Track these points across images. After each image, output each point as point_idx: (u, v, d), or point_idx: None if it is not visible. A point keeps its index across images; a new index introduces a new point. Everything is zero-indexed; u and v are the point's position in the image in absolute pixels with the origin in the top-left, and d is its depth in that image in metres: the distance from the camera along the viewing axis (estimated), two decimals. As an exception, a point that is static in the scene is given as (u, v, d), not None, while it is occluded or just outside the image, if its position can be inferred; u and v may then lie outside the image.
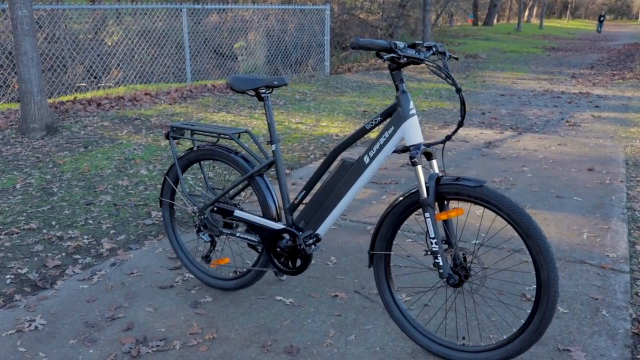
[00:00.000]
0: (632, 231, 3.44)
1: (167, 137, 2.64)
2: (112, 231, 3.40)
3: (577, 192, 4.13)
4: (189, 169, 3.55)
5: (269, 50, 11.06)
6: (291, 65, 11.79)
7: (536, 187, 4.28)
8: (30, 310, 2.50)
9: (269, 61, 10.74)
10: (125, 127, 6.06)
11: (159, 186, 4.20)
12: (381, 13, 18.66)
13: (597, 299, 2.62)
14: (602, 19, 38.02)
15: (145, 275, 2.84)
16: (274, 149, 2.38)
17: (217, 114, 6.93)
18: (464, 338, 2.25)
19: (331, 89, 9.68)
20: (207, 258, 2.62)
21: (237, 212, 2.46)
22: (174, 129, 2.62)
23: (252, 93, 2.39)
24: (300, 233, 2.29)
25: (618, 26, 53.79)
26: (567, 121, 7.04)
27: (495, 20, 38.20)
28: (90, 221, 3.54)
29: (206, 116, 6.73)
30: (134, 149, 5.20)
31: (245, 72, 10.13)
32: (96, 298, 2.61)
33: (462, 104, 1.99)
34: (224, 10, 12.09)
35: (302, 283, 2.77)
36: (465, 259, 2.06)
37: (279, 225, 2.36)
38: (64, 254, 3.08)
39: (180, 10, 9.03)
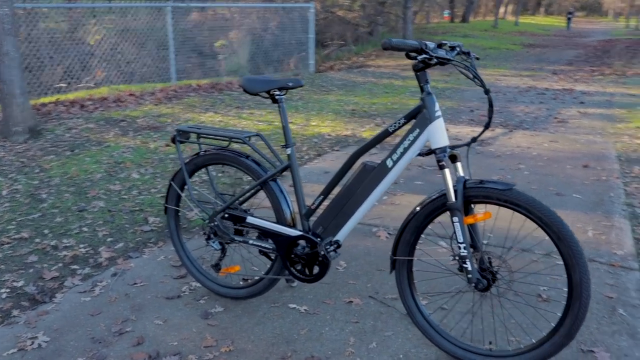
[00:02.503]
0: (635, 228, 3.44)
1: (173, 141, 2.54)
2: (109, 239, 3.27)
3: (576, 189, 4.13)
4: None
5: (252, 48, 10.92)
6: (273, 63, 11.67)
7: (535, 184, 4.27)
8: (31, 326, 2.37)
9: (252, 59, 10.60)
10: (111, 129, 5.89)
11: (153, 190, 4.08)
12: (361, 11, 18.61)
13: (612, 297, 2.60)
14: (570, 16, 38.37)
15: (150, 285, 2.73)
16: (289, 152, 2.29)
17: (204, 114, 6.80)
18: (490, 343, 2.20)
19: (317, 87, 9.60)
20: (217, 266, 2.52)
21: (250, 219, 2.37)
22: (180, 132, 2.51)
23: (266, 95, 2.30)
24: (319, 240, 2.22)
25: (590, 23, 54.74)
26: (555, 117, 7.08)
27: (471, 17, 38.50)
28: (85, 229, 3.40)
29: (194, 117, 6.59)
30: (123, 152, 5.05)
31: (229, 71, 9.98)
32: (100, 311, 2.49)
33: (490, 105, 1.94)
34: (204, 8, 11.91)
35: (315, 289, 2.69)
36: (491, 262, 2.01)
37: (295, 232, 2.27)
38: (60, 265, 2.95)
39: (163, 8, 8.85)
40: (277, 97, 2.29)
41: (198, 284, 2.72)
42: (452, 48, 1.99)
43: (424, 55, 1.85)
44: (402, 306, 2.51)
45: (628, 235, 3.31)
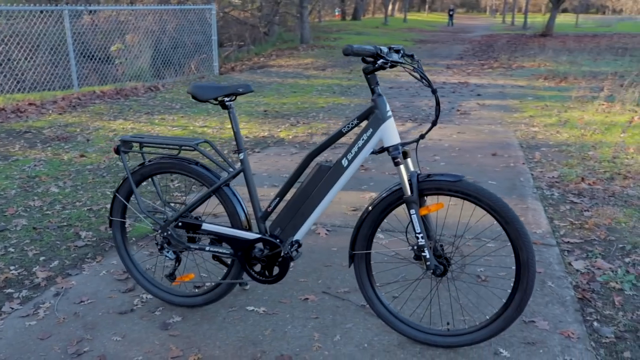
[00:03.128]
0: (546, 208, 3.81)
1: (116, 152, 2.46)
2: (41, 258, 3.10)
3: (490, 176, 4.48)
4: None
5: (154, 52, 10.57)
6: (174, 66, 11.37)
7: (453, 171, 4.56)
8: (-26, 357, 2.22)
9: (154, 63, 10.27)
10: (15, 141, 5.50)
11: (78, 204, 3.89)
12: (257, 11, 18.61)
13: (540, 272, 2.89)
14: (451, 12, 40.66)
15: (98, 302, 2.63)
16: (242, 157, 2.32)
17: (114, 121, 6.53)
18: (448, 324, 2.38)
19: (225, 89, 9.51)
20: (171, 276, 2.49)
21: (206, 225, 2.37)
22: (124, 142, 2.45)
23: (216, 102, 2.31)
24: (279, 241, 2.27)
25: (471, 19, 58.47)
26: (458, 110, 7.57)
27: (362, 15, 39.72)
28: (12, 249, 3.19)
29: (104, 125, 6.32)
30: (35, 165, 4.75)
31: (131, 76, 9.61)
32: (50, 334, 2.38)
33: (437, 103, 2.09)
34: (94, 11, 11.33)
35: (268, 290, 2.73)
36: (443, 249, 2.17)
37: (254, 235, 2.31)
38: (-8, 290, 2.76)
39: (57, 12, 8.34)
40: (226, 103, 2.31)
41: (149, 296, 2.67)
42: (397, 51, 2.12)
43: (382, 60, 1.96)
44: (356, 299, 2.64)
45: (542, 215, 3.66)
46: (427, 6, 67.66)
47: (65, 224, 3.56)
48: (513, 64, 13.46)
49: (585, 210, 3.76)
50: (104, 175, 4.54)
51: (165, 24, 11.72)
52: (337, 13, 43.25)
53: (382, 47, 1.97)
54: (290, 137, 6.05)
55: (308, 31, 17.79)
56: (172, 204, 2.55)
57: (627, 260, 3.04)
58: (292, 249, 2.24)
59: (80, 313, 2.54)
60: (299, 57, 15.02)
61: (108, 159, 4.95)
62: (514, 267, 2.09)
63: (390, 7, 50.42)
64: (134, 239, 3.34)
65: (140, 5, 12.49)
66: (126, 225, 2.65)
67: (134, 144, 2.47)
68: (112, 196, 2.57)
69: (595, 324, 2.45)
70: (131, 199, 2.56)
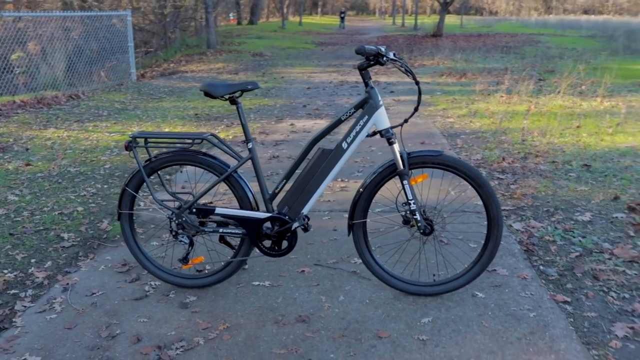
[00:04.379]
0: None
1: (127, 148, 2.66)
2: (32, 260, 3.17)
3: (425, 161, 5.04)
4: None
5: (68, 60, 10.23)
6: (90, 75, 11.04)
7: (392, 161, 5.07)
8: (8, 352, 2.33)
9: (68, 70, 9.96)
10: (-53, 156, 5.28)
11: (46, 209, 3.93)
12: (162, 17, 18.34)
13: (488, 234, 3.43)
14: (342, 15, 42.05)
15: (109, 293, 2.80)
16: (250, 146, 2.62)
17: (45, 130, 6.41)
18: (434, 275, 2.83)
19: (146, 95, 9.48)
20: (185, 259, 2.73)
21: (219, 209, 2.64)
22: (134, 138, 2.65)
23: (226, 98, 2.58)
24: (287, 218, 2.60)
25: (362, 21, 60.66)
26: (378, 106, 8.15)
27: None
28: (-3, 256, 3.23)
29: (36, 134, 6.19)
30: (-19, 178, 4.65)
31: (44, 84, 9.26)
32: (76, 324, 2.53)
33: (420, 93, 2.53)
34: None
35: (265, 268, 3.04)
36: (425, 213, 2.61)
37: (265, 214, 2.62)
38: (-5, 293, 2.83)
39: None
40: (236, 99, 2.60)
41: (157, 282, 2.88)
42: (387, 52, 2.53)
43: (385, 58, 2.36)
44: (345, 267, 3.03)
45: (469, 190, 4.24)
46: (319, 9, 69.42)
47: (41, 228, 3.61)
48: (415, 63, 14.45)
49: (511, 184, 4.40)
50: (59, 182, 4.56)
51: (71, 32, 11.34)
52: (231, 18, 43.15)
53: (381, 47, 2.37)
54: (230, 137, 6.29)
55: (214, 36, 17.84)
56: (178, 194, 2.78)
57: (552, 219, 3.68)
58: (305, 222, 2.58)
59: (97, 303, 2.70)
60: (209, 62, 15.08)
61: (57, 166, 4.93)
62: (485, 223, 2.58)
63: (284, 10, 51.17)
64: (117, 236, 3.48)
65: (40, 11, 11.96)
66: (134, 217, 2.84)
67: (139, 140, 2.68)
68: (120, 191, 2.75)
69: (541, 267, 3.01)
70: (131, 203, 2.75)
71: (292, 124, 6.95)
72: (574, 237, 3.40)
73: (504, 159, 5.07)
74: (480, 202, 3.12)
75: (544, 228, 3.53)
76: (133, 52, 11.19)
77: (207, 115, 7.72)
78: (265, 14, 55.35)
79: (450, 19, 31.38)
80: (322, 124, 6.92)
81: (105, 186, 4.46)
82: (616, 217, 3.68)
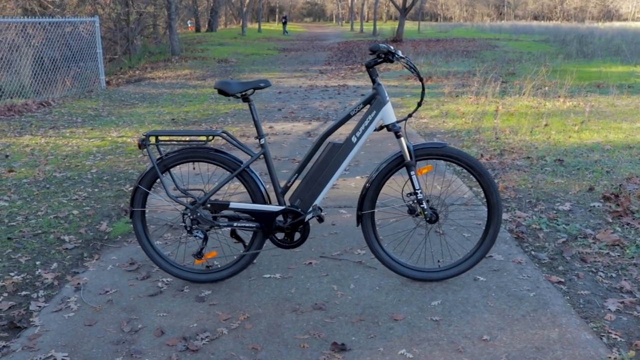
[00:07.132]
0: (463, 179, 4.62)
1: (140, 146, 2.71)
2: (37, 262, 3.17)
3: (407, 159, 5.22)
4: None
5: (34, 66, 10.02)
6: (56, 83, 10.82)
7: (375, 160, 5.25)
8: (34, 349, 2.35)
9: (35, 77, 9.75)
10: None
11: (40, 213, 3.91)
12: (125, 24, 18.11)
13: (479, 224, 3.62)
14: (284, 20, 42.34)
15: (123, 290, 2.84)
16: (262, 142, 2.72)
17: (21, 137, 6.30)
18: (439, 261, 2.98)
19: (118, 102, 9.39)
20: (199, 254, 2.80)
21: (234, 204, 2.73)
22: (148, 136, 2.71)
23: (239, 95, 2.68)
24: (300, 210, 2.70)
25: (320, 27, 61.10)
26: (352, 108, 8.33)
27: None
28: (-1, 260, 3.21)
29: (13, 141, 6.08)
30: (-36, 185, 4.56)
31: (10, 92, 9.05)
32: (95, 320, 2.57)
33: (423, 89, 2.69)
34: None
35: (273, 261, 3.13)
36: (428, 202, 2.76)
37: (278, 207, 2.72)
38: (6, 294, 2.82)
39: None
40: (248, 96, 2.70)
41: (169, 279, 2.94)
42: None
43: (395, 55, 2.51)
44: (350, 258, 3.15)
45: (462, 184, 4.45)
46: (276, 16, 69.54)
47: (39, 231, 3.60)
48: (380, 67, 14.72)
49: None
50: (47, 187, 4.52)
51: (32, 39, 11.09)
52: (189, 25, 42.78)
53: (391, 46, 2.52)
54: (213, 141, 6.32)
55: (177, 43, 17.73)
56: (188, 191, 2.85)
57: (536, 209, 3.90)
58: (319, 212, 2.69)
59: (112, 300, 2.74)
60: (175, 68, 14.99)
61: (42, 172, 4.89)
62: (485, 209, 2.75)
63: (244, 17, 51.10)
64: (119, 237, 3.51)
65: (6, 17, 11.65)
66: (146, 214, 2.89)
67: (151, 138, 2.74)
68: (133, 189, 2.80)
69: (533, 252, 3.21)
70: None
71: (270, 127, 7.04)
72: (558, 224, 3.62)
73: (482, 155, 5.30)
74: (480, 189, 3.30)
75: (529, 217, 3.74)
76: (102, 59, 11.04)
77: (184, 120, 7.72)
78: (223, 21, 55.12)
79: (407, 25, 32.02)
80: (301, 126, 7.04)
81: (96, 190, 4.45)
82: (593, 205, 3.94)
